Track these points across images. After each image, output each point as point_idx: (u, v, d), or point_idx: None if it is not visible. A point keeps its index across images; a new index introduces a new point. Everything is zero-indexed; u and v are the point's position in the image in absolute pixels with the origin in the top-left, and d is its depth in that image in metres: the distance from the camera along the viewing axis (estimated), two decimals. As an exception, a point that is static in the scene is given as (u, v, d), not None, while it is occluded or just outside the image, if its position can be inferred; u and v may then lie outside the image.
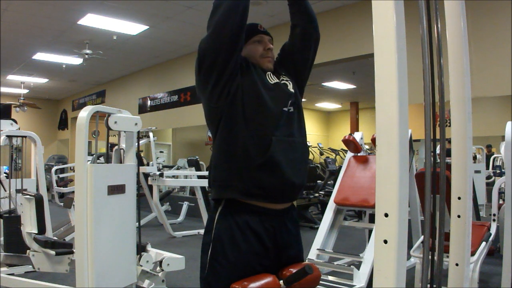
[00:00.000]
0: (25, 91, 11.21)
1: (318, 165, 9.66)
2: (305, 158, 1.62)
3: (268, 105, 1.48)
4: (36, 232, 3.22)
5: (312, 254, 3.48)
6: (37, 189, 4.20)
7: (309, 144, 12.23)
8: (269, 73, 1.59)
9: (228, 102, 1.46)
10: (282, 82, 1.59)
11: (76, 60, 8.06)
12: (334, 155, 10.16)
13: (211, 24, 1.42)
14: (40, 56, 8.17)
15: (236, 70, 1.47)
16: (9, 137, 4.10)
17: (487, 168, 6.84)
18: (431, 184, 1.15)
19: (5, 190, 4.01)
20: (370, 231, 3.82)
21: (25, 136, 4.27)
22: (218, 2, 1.41)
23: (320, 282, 1.68)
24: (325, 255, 3.53)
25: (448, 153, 1.29)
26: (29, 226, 3.25)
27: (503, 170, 5.05)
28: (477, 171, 5.77)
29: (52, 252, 3.13)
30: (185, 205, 7.38)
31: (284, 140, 1.48)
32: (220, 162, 1.50)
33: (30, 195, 3.29)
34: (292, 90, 1.58)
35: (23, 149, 4.52)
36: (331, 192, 3.96)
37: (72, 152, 8.81)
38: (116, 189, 2.45)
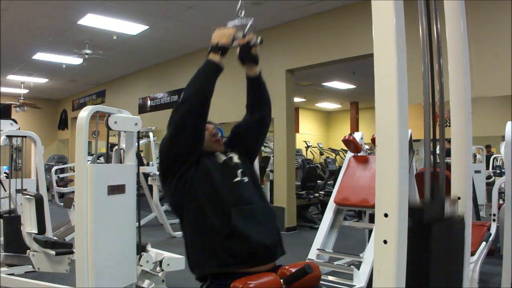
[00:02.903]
0: (25, 91, 11.20)
1: (318, 165, 9.67)
2: (271, 219, 1.68)
3: (221, 183, 1.57)
4: (36, 232, 3.22)
5: (312, 254, 3.48)
6: (37, 189, 4.20)
7: (309, 144, 12.27)
8: (217, 153, 1.69)
9: (187, 188, 1.56)
10: (228, 156, 1.70)
11: (76, 60, 8.05)
12: (334, 155, 10.17)
13: (170, 123, 1.54)
14: (40, 56, 8.17)
15: (195, 161, 1.58)
16: (9, 137, 4.10)
17: (487, 168, 6.84)
18: (431, 183, 1.16)
19: (5, 190, 4.01)
20: (370, 231, 3.82)
21: (25, 136, 4.27)
22: (179, 105, 1.51)
23: (320, 282, 1.68)
24: (325, 255, 3.53)
25: (448, 153, 1.29)
26: (29, 226, 3.25)
27: (503, 170, 5.05)
28: (477, 171, 5.77)
29: (52, 252, 3.13)
30: (185, 205, 7.36)
31: (244, 209, 1.56)
32: (193, 242, 1.59)
33: (30, 195, 3.29)
34: (238, 161, 1.69)
35: (23, 149, 4.52)
36: (331, 192, 3.96)
37: (72, 152, 8.81)
38: (116, 189, 2.45)
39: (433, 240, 1.02)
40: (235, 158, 1.70)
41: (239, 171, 1.65)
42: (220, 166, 1.64)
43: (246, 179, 1.66)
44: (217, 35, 1.57)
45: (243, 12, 1.62)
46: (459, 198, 1.30)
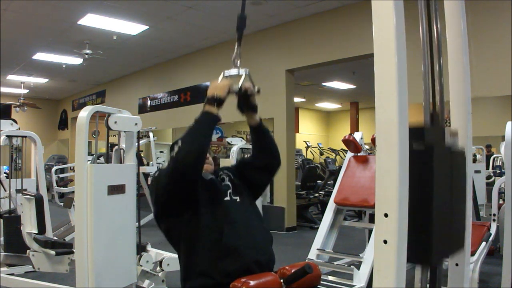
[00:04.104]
0: (25, 91, 11.20)
1: (318, 165, 9.67)
2: (265, 237, 1.70)
3: (208, 203, 1.60)
4: (36, 232, 3.22)
5: (312, 254, 3.48)
6: (37, 189, 4.20)
7: (309, 144, 12.27)
8: (203, 173, 1.68)
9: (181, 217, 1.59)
10: (221, 177, 1.74)
11: (76, 60, 8.05)
12: (334, 155, 10.17)
13: (166, 174, 1.53)
14: (40, 56, 8.16)
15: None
16: (9, 137, 4.10)
17: (487, 168, 6.84)
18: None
19: (5, 190, 4.01)
20: (370, 231, 3.81)
21: (25, 136, 4.27)
22: (177, 157, 1.50)
23: (320, 282, 1.68)
24: (325, 255, 3.53)
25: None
26: (29, 226, 3.25)
27: (503, 170, 5.05)
28: (477, 171, 5.76)
29: (52, 252, 3.13)
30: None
31: (236, 227, 1.58)
32: (187, 267, 1.60)
33: (30, 195, 3.29)
34: (228, 183, 1.71)
35: (23, 149, 4.52)
36: (331, 192, 3.95)
37: (72, 152, 8.80)
38: (116, 189, 2.45)
39: (435, 164, 1.00)
40: (227, 180, 1.73)
41: (229, 191, 1.68)
42: (207, 184, 1.67)
43: (237, 198, 1.68)
44: (213, 87, 1.57)
45: (239, 61, 1.61)
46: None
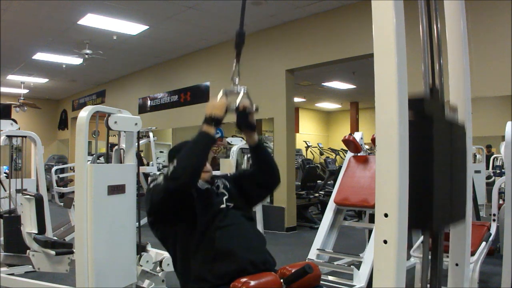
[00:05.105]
0: (25, 91, 11.20)
1: (318, 165, 9.67)
2: (259, 238, 1.71)
3: (203, 210, 1.63)
4: (36, 232, 3.22)
5: (312, 254, 3.48)
6: (37, 189, 4.20)
7: (309, 144, 12.26)
8: (200, 181, 1.70)
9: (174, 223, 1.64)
10: (216, 185, 1.77)
11: (76, 60, 8.05)
12: (334, 155, 10.17)
13: (161, 189, 1.54)
14: (40, 56, 8.16)
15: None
16: (9, 137, 4.09)
17: (487, 168, 6.84)
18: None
19: (5, 190, 4.01)
20: (370, 231, 3.82)
21: (25, 136, 4.27)
22: (173, 175, 1.51)
23: (320, 282, 1.68)
24: (325, 255, 3.53)
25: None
26: (29, 226, 3.25)
27: (503, 170, 5.04)
28: (477, 171, 5.76)
29: (52, 252, 3.13)
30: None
31: (229, 229, 1.60)
32: (183, 273, 1.62)
33: (30, 195, 3.29)
34: (223, 191, 1.74)
35: (23, 149, 4.52)
36: (331, 192, 3.96)
37: (72, 152, 8.80)
38: (116, 189, 2.45)
39: (435, 133, 1.00)
40: (221, 188, 1.75)
41: (225, 197, 1.71)
42: (202, 194, 1.69)
43: (231, 204, 1.71)
44: (211, 106, 1.58)
45: (237, 79, 1.61)
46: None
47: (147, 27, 6.54)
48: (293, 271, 1.50)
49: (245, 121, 1.67)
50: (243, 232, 1.64)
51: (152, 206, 1.61)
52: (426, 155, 1.00)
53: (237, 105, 1.60)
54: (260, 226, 5.69)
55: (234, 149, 5.93)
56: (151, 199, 1.60)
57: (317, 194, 7.27)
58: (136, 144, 2.91)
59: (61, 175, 9.30)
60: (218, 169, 5.91)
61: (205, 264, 1.54)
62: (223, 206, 1.68)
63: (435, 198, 0.99)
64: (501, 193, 3.97)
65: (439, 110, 1.10)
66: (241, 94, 1.60)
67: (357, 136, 4.02)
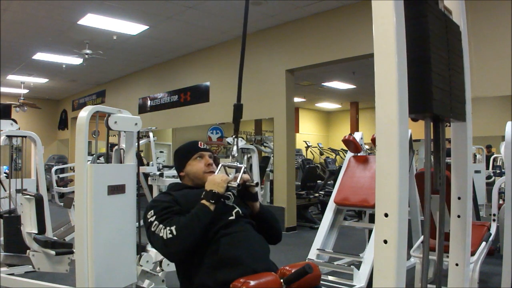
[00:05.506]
0: (25, 91, 11.20)
1: (318, 165, 9.67)
2: (263, 247, 1.71)
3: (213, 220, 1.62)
4: (36, 232, 3.22)
5: (312, 254, 3.48)
6: (37, 189, 4.20)
7: (309, 144, 12.26)
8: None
9: None
10: (227, 196, 1.73)
11: (76, 60, 8.05)
12: (334, 155, 10.18)
13: (163, 248, 1.57)
14: (40, 56, 8.16)
15: None
16: (9, 137, 4.09)
17: (487, 168, 6.84)
18: (431, 184, 1.15)
19: (5, 190, 4.00)
20: (370, 231, 3.82)
21: (25, 136, 4.27)
22: (173, 241, 1.53)
23: (320, 282, 1.68)
24: (325, 255, 3.53)
25: (448, 153, 1.29)
26: (29, 226, 3.25)
27: (503, 170, 5.05)
28: (477, 171, 5.76)
29: (52, 252, 3.13)
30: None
31: (235, 237, 1.61)
32: (186, 279, 1.64)
33: (30, 195, 3.29)
34: (233, 204, 1.72)
35: (23, 149, 4.52)
36: (331, 192, 3.96)
37: (72, 152, 8.80)
38: (116, 189, 2.45)
39: (430, 19, 1.00)
40: (230, 201, 1.74)
41: (235, 211, 1.70)
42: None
43: (241, 217, 1.71)
44: (212, 182, 1.62)
45: (234, 149, 1.67)
46: (459, 198, 1.30)
47: (147, 27, 6.54)
48: (293, 271, 1.50)
49: (248, 194, 1.73)
50: (248, 240, 1.64)
51: (159, 251, 1.65)
52: (423, 38, 0.99)
53: (238, 181, 1.63)
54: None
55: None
56: (155, 245, 1.62)
57: (317, 194, 7.27)
58: (136, 144, 2.91)
59: (61, 175, 9.30)
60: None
61: (209, 270, 1.55)
62: (232, 218, 1.68)
63: (434, 79, 0.98)
64: (501, 193, 3.97)
65: (434, 5, 1.10)
66: (242, 170, 1.65)
67: (357, 136, 4.02)
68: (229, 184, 1.61)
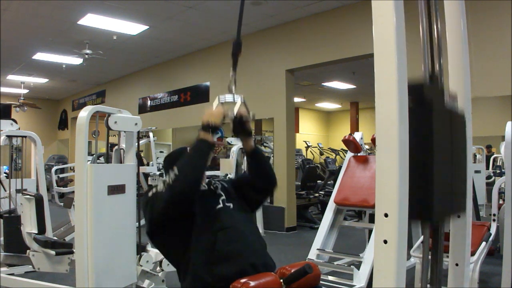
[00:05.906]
0: (25, 91, 11.20)
1: (318, 165, 9.67)
2: (259, 241, 1.71)
3: (203, 212, 1.62)
4: (36, 232, 3.23)
5: (312, 254, 3.48)
6: (37, 189, 4.20)
7: (309, 144, 12.25)
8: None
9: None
10: (214, 185, 1.77)
11: (76, 60, 8.05)
12: (334, 155, 10.17)
13: (163, 198, 1.52)
14: (40, 56, 8.17)
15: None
16: (9, 137, 4.10)
17: (487, 168, 6.84)
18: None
19: (5, 190, 4.01)
20: (370, 231, 3.82)
21: (25, 136, 4.27)
22: (175, 183, 1.50)
23: (320, 282, 1.68)
24: (325, 255, 3.53)
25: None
26: (29, 226, 3.25)
27: (503, 170, 5.05)
28: (477, 171, 5.76)
29: (52, 252, 3.13)
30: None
31: (229, 232, 1.59)
32: (184, 275, 1.61)
33: (30, 195, 3.29)
34: (220, 192, 1.74)
35: (23, 149, 4.52)
36: (331, 192, 3.96)
37: (72, 152, 8.80)
38: (116, 189, 2.45)
39: (434, 120, 1.00)
40: (219, 189, 1.75)
41: (222, 198, 1.70)
42: (199, 195, 1.67)
43: (231, 205, 1.71)
44: (208, 114, 1.60)
45: (234, 88, 1.62)
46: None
47: (147, 27, 6.54)
48: (293, 271, 1.50)
49: (242, 128, 1.69)
50: (244, 234, 1.63)
51: (154, 215, 1.59)
52: (425, 143, 0.99)
53: (234, 114, 1.61)
54: (260, 226, 5.70)
55: (234, 149, 5.93)
56: (152, 208, 1.58)
57: (317, 194, 7.27)
58: (136, 144, 2.91)
59: (61, 175, 9.30)
60: (218, 169, 5.92)
61: (205, 266, 1.54)
62: (220, 206, 1.67)
63: (435, 188, 0.98)
64: (501, 193, 3.97)
65: (439, 96, 1.09)
66: (239, 103, 1.62)
67: (357, 136, 4.02)
68: (225, 116, 1.59)
